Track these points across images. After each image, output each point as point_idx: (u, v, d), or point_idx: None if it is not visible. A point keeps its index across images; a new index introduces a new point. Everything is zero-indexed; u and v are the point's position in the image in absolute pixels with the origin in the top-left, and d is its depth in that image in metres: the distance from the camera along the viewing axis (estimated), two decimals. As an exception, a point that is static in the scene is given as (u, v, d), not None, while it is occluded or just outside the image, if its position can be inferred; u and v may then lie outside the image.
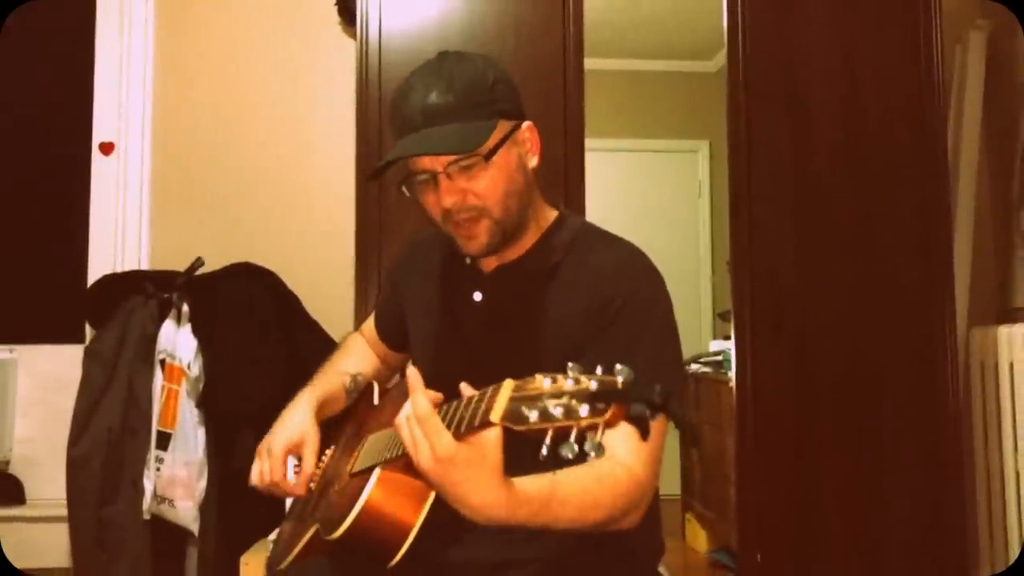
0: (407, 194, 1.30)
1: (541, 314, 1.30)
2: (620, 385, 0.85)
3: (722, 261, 3.22)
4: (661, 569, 1.41)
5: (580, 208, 2.36)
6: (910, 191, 2.41)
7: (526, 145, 1.31)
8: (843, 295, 2.38)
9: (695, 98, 4.15)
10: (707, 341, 3.66)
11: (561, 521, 1.07)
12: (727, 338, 2.68)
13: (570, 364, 0.87)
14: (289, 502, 1.56)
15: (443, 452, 0.97)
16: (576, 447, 0.85)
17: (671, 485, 3.63)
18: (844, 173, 2.41)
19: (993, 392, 2.55)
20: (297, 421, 1.40)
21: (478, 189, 1.25)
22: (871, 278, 2.38)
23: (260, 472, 1.38)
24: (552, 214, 1.38)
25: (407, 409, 1.02)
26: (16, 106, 3.04)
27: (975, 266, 2.75)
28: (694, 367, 3.44)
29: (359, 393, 1.51)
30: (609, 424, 0.85)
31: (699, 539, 3.50)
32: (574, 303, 1.28)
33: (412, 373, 1.04)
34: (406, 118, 1.25)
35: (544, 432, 0.86)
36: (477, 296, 1.35)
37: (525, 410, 0.87)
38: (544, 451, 0.86)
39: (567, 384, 0.86)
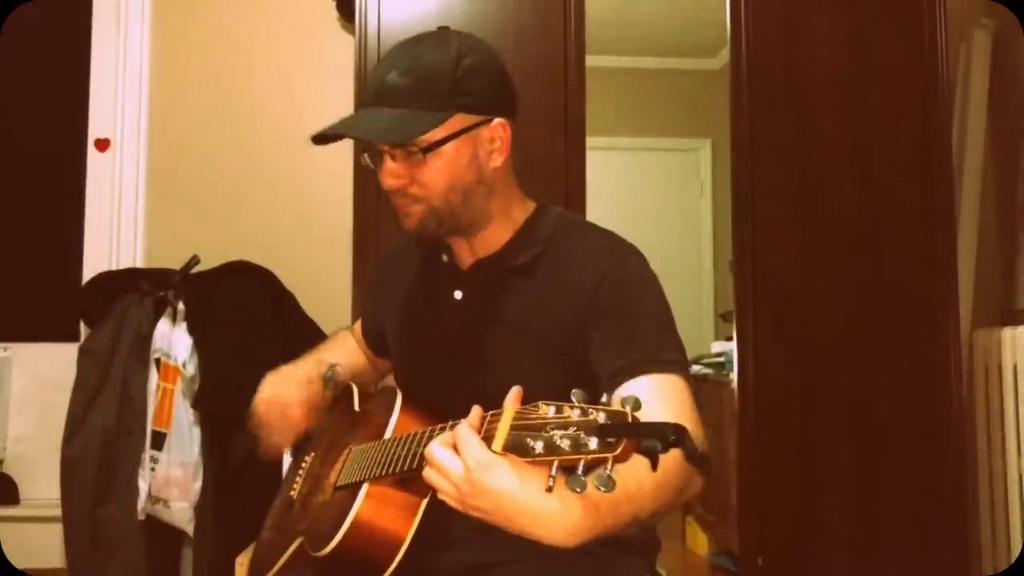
0: (368, 164, 1.27)
1: (525, 308, 1.27)
2: (630, 418, 0.81)
3: (724, 261, 3.19)
4: (660, 570, 1.39)
5: (581, 207, 2.34)
6: (914, 191, 2.39)
7: (492, 143, 1.25)
8: (846, 296, 2.36)
9: (697, 96, 4.11)
10: (708, 342, 3.63)
11: (645, 512, 1.01)
12: (729, 339, 2.66)
13: (574, 391, 0.84)
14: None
15: (475, 460, 0.91)
16: (584, 481, 0.81)
17: (671, 487, 3.59)
18: (848, 173, 2.39)
19: (996, 394, 2.53)
20: (277, 384, 1.45)
21: (420, 178, 1.22)
22: (874, 279, 2.37)
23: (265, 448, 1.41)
24: (530, 207, 1.35)
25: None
26: (11, 102, 3.01)
27: (979, 267, 2.73)
28: (695, 368, 3.41)
29: (337, 393, 1.48)
30: (619, 459, 0.81)
31: (700, 543, 3.47)
32: (560, 295, 1.25)
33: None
34: (365, 91, 1.24)
35: (549, 463, 0.83)
36: (458, 294, 1.32)
37: (530, 440, 0.83)
38: (550, 483, 0.83)
39: (573, 414, 0.82)
